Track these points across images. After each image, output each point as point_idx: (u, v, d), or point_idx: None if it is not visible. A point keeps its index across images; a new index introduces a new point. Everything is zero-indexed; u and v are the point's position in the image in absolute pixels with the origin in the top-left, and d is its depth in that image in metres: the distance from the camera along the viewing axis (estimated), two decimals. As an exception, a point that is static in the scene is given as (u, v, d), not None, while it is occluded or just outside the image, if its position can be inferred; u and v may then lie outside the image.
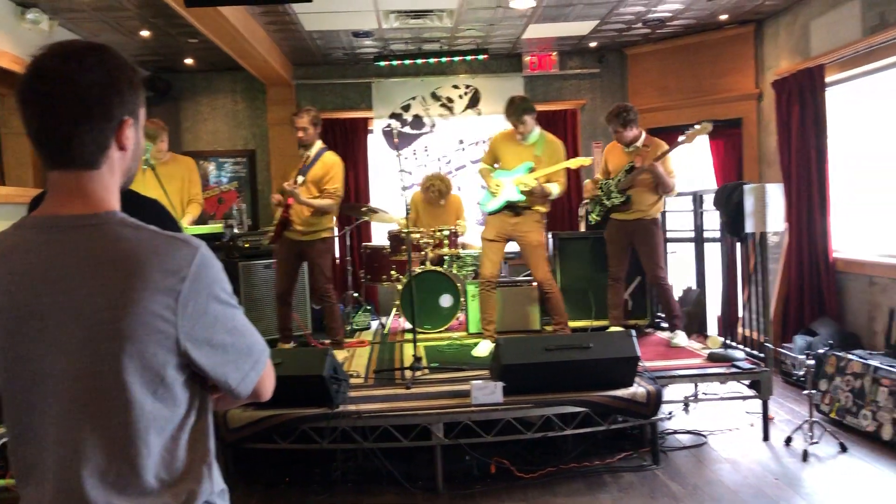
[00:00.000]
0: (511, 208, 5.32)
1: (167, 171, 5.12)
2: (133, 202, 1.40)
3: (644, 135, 5.53)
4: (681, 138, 5.31)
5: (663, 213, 7.01)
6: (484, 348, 5.44)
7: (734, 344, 5.32)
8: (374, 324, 7.14)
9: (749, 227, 4.77)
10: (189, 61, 7.81)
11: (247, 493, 4.15)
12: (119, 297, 1.18)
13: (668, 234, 6.85)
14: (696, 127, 5.25)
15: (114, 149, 1.28)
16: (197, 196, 5.40)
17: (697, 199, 6.15)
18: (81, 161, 1.25)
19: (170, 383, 1.24)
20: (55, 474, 1.21)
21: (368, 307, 7.20)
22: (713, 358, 4.95)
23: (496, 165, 5.51)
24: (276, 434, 4.10)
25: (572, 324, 6.14)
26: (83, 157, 1.25)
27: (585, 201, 6.03)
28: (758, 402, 4.79)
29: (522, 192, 5.23)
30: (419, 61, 7.78)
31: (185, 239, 1.25)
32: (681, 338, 5.43)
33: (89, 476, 1.20)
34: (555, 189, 5.30)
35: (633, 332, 4.40)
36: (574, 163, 5.45)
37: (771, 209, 4.72)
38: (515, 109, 5.28)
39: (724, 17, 7.01)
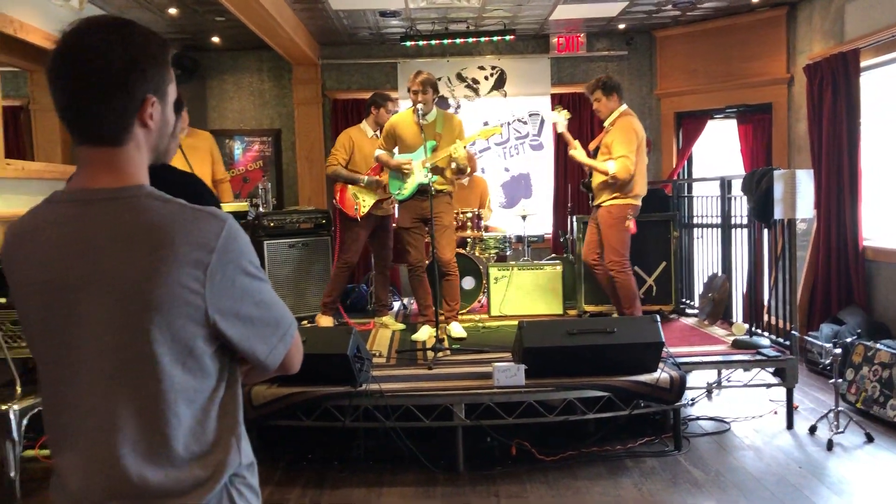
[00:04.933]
0: (422, 192, 5.18)
1: (189, 143, 5.22)
2: (172, 178, 1.40)
3: (615, 115, 5.22)
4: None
5: (688, 199, 7.00)
6: (424, 333, 5.40)
7: (759, 331, 5.27)
8: (396, 304, 7.17)
9: (778, 213, 4.71)
10: (216, 39, 7.83)
11: (269, 470, 4.19)
12: (148, 270, 1.18)
13: (694, 220, 6.81)
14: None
15: (137, 126, 1.28)
16: (224, 175, 5.45)
17: (725, 184, 6.07)
18: (107, 137, 1.26)
19: (199, 355, 1.24)
20: (89, 443, 1.23)
21: (392, 288, 7.22)
22: (738, 345, 4.91)
23: (395, 152, 5.41)
24: (300, 411, 4.13)
25: (592, 308, 6.12)
26: (107, 133, 1.26)
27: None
28: (782, 391, 4.75)
29: (433, 172, 5.10)
30: (445, 42, 7.73)
31: (212, 212, 1.25)
32: None
33: (122, 445, 1.21)
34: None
35: (658, 317, 4.37)
36: (485, 133, 5.52)
37: (801, 195, 4.65)
38: (422, 80, 5.14)
39: (756, -1, 6.89)
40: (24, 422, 3.83)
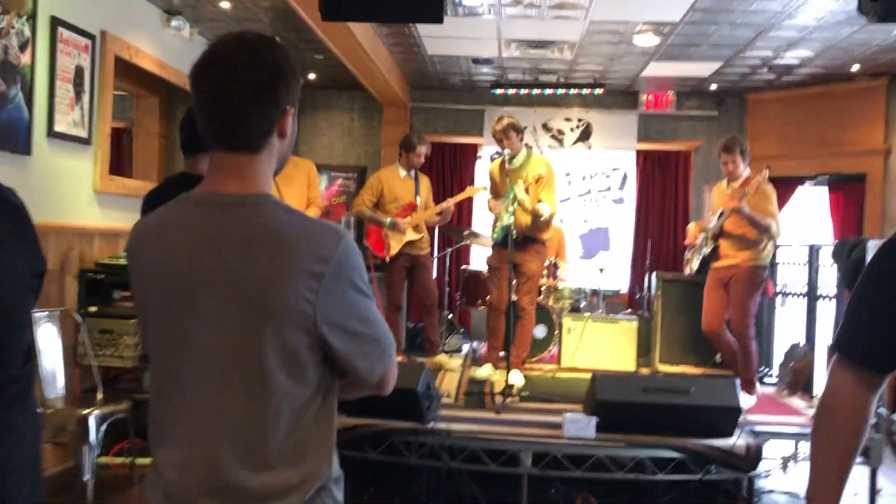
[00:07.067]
0: (510, 236, 5.09)
1: (285, 174, 5.30)
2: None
3: (746, 174, 5.15)
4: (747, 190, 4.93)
5: (771, 264, 6.81)
6: (485, 371, 5.43)
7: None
8: (466, 347, 7.16)
9: (870, 284, 4.53)
10: (312, 77, 8.10)
11: (331, 499, 4.19)
12: (268, 275, 1.23)
13: (778, 288, 6.62)
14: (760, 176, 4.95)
15: (275, 135, 1.34)
16: (316, 199, 5.55)
17: (814, 252, 5.90)
18: (246, 144, 1.32)
19: (304, 362, 1.27)
20: (190, 438, 1.27)
21: (461, 330, 7.23)
22: (819, 418, 4.70)
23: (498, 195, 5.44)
24: (366, 443, 4.14)
25: (668, 368, 5.99)
26: (248, 141, 1.32)
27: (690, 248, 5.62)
28: (865, 471, 4.51)
29: (511, 217, 5.04)
30: (534, 92, 7.81)
31: (331, 226, 1.30)
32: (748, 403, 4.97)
33: (222, 444, 1.25)
34: (545, 210, 5.14)
35: (737, 382, 4.25)
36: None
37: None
38: (504, 127, 5.19)
39: (855, 68, 6.76)
40: (103, 428, 3.96)
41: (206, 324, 1.26)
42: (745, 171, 5.18)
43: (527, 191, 5.13)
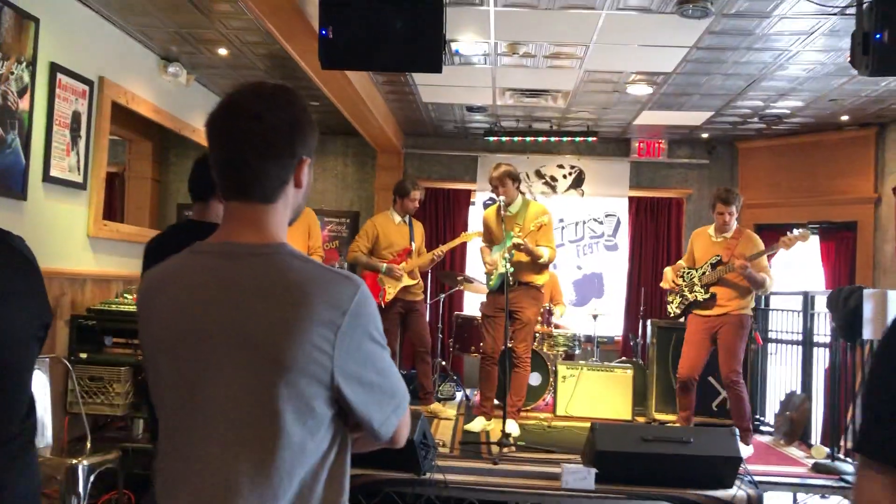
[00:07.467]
0: (506, 283, 5.07)
1: None
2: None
3: (735, 225, 5.26)
4: (776, 245, 5.09)
5: (763, 311, 6.83)
6: (477, 424, 5.33)
7: (841, 456, 5.01)
8: (459, 395, 7.08)
9: (867, 333, 4.55)
10: (307, 123, 8.14)
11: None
12: (284, 326, 1.20)
13: (772, 335, 6.61)
14: (796, 233, 4.99)
15: (291, 185, 1.33)
16: (317, 248, 5.52)
17: (808, 300, 5.91)
18: (261, 194, 1.31)
19: (319, 416, 1.24)
20: (201, 494, 1.23)
21: (455, 377, 7.16)
22: (818, 469, 4.67)
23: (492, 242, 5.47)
24: (361, 494, 4.05)
25: (662, 416, 5.93)
26: (263, 190, 1.31)
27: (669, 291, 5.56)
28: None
29: (510, 263, 5.04)
30: (528, 139, 7.88)
31: (347, 275, 1.28)
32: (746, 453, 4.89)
33: (233, 500, 1.20)
34: (545, 252, 5.16)
35: (736, 431, 4.21)
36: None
37: (893, 316, 4.48)
38: (500, 175, 5.20)
39: (845, 118, 6.86)
40: (92, 478, 3.86)
41: (219, 377, 1.23)
42: (735, 223, 5.27)
43: (525, 238, 5.11)
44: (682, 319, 5.45)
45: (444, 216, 8.45)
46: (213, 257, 1.30)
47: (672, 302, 5.44)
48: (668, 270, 5.53)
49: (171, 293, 1.29)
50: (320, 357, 1.21)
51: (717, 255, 5.18)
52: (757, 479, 4.34)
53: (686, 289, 5.31)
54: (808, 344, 5.88)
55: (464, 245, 8.55)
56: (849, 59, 3.87)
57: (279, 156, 1.30)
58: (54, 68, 4.33)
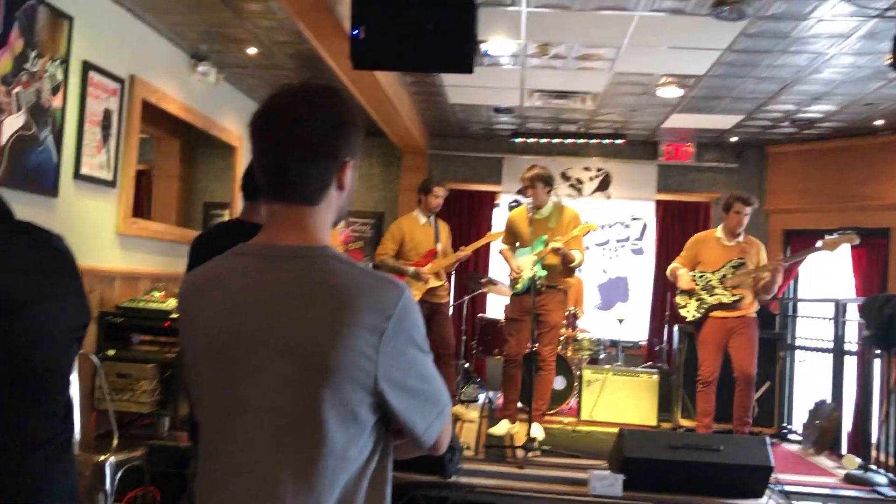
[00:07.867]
0: (534, 287, 5.03)
1: None
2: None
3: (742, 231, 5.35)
4: (819, 243, 5.04)
5: (792, 317, 6.77)
6: (501, 427, 5.29)
7: (874, 467, 4.91)
8: (482, 397, 7.04)
9: (903, 342, 4.46)
10: (332, 122, 8.15)
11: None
12: (328, 330, 1.18)
13: (799, 342, 6.53)
14: (841, 234, 4.95)
15: (334, 187, 1.31)
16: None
17: (840, 307, 5.81)
18: (303, 196, 1.29)
19: (362, 422, 1.22)
20: (241, 500, 1.20)
21: (478, 380, 7.12)
22: (851, 479, 4.59)
23: (517, 245, 5.41)
24: (386, 497, 4.03)
25: (687, 423, 5.85)
26: (306, 193, 1.29)
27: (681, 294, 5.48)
28: None
29: (543, 267, 5.02)
30: (554, 141, 7.83)
31: (391, 280, 1.26)
32: None
33: None
34: (577, 255, 5.14)
35: (768, 440, 4.14)
36: (582, 229, 5.20)
37: (929, 326, 4.40)
38: (532, 176, 5.17)
39: (879, 122, 6.74)
40: (119, 475, 3.87)
41: (262, 382, 1.20)
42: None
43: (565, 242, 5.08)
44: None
45: (468, 218, 8.42)
46: (255, 259, 1.28)
47: (686, 305, 5.36)
48: (682, 273, 5.40)
49: (212, 297, 1.27)
50: (364, 363, 1.18)
51: (740, 259, 5.14)
52: (787, 489, 4.28)
53: (704, 292, 5.26)
54: (838, 352, 5.78)
55: (487, 247, 8.52)
56: (889, 60, 3.80)
57: (321, 159, 1.28)
58: (87, 66, 4.35)
